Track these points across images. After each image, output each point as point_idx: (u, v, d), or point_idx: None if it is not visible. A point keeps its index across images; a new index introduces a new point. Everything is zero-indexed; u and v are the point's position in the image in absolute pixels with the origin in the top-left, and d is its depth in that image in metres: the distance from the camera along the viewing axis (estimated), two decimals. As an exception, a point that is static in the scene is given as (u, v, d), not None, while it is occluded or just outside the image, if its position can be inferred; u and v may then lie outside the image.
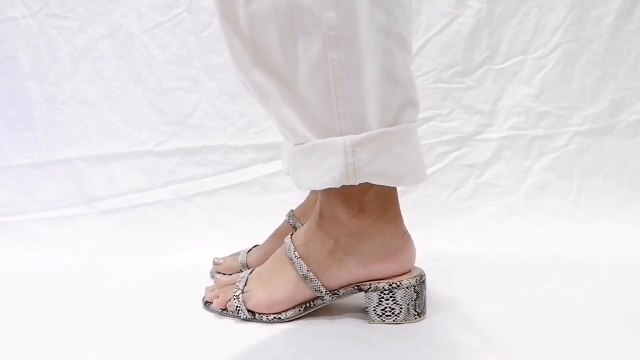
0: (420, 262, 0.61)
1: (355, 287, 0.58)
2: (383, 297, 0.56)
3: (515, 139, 1.01)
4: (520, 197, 1.00)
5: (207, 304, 0.63)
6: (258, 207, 1.03)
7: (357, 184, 0.53)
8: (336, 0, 0.50)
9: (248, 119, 1.04)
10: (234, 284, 0.63)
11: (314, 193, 0.77)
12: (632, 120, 1.00)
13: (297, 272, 0.57)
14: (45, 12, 1.03)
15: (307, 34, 0.52)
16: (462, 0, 0.99)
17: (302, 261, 0.57)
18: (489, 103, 1.01)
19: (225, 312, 0.60)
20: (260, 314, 0.58)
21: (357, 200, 0.56)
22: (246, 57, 0.54)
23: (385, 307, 0.56)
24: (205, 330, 0.56)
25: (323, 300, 0.58)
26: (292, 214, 0.77)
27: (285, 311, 0.58)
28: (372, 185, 0.55)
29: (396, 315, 0.56)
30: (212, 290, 0.63)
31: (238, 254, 0.79)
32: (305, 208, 0.77)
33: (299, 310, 0.58)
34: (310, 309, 0.58)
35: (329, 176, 0.53)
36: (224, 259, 0.78)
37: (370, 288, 0.57)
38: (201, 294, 0.65)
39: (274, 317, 0.58)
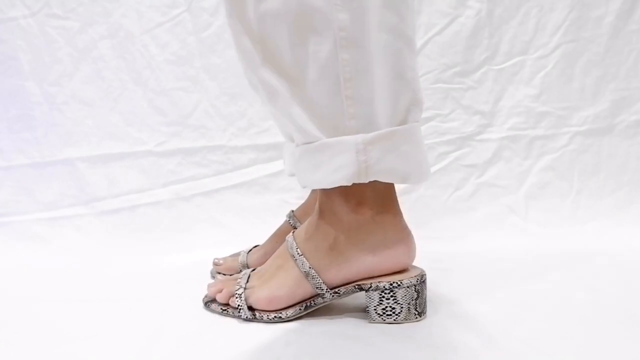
0: (420, 262, 0.61)
1: (356, 286, 0.58)
2: (384, 297, 0.56)
3: (515, 139, 1.01)
4: (520, 197, 1.00)
5: (207, 304, 0.63)
6: (258, 207, 1.03)
7: (367, 181, 0.54)
8: (347, 1, 0.51)
9: (248, 119, 1.04)
10: (236, 279, 0.63)
11: (313, 193, 0.77)
12: (632, 120, 1.00)
13: (299, 268, 0.58)
14: (45, 12, 1.03)
15: (317, 34, 0.52)
16: (462, 0, 0.99)
17: (303, 258, 0.58)
18: (489, 103, 1.01)
19: (226, 312, 0.60)
20: (260, 312, 0.58)
21: (356, 195, 0.57)
22: (255, 55, 0.55)
23: (386, 307, 0.56)
24: (205, 330, 0.56)
25: (323, 298, 0.58)
26: (292, 214, 0.77)
27: (286, 309, 0.58)
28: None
29: (396, 315, 0.56)
30: (214, 287, 0.63)
31: (238, 254, 0.79)
32: (305, 208, 0.77)
33: (299, 309, 0.58)
34: (310, 307, 0.58)
35: (340, 174, 0.54)
36: (224, 259, 0.78)
37: (370, 287, 0.57)
38: (201, 294, 0.64)
39: (275, 316, 0.58)
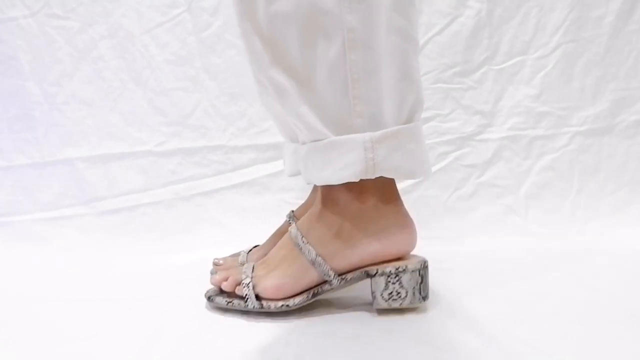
0: (420, 262, 0.61)
1: (363, 272, 0.59)
2: (390, 281, 0.58)
3: (515, 139, 1.01)
4: (520, 197, 1.00)
5: (211, 298, 0.62)
6: (258, 207, 1.03)
7: (373, 177, 0.56)
8: (356, 3, 0.52)
9: (248, 119, 1.04)
10: (239, 268, 0.64)
11: (313, 193, 0.78)
12: (632, 120, 1.00)
13: (305, 256, 0.59)
14: (45, 12, 1.03)
15: (326, 35, 0.53)
16: (462, 0, 0.99)
17: (309, 246, 0.59)
18: (489, 103, 1.01)
19: (231, 303, 0.60)
20: (268, 301, 0.59)
21: (358, 185, 0.58)
22: (265, 55, 0.56)
23: (392, 291, 0.58)
24: (205, 330, 0.56)
25: (331, 284, 0.59)
26: (292, 214, 0.77)
27: (293, 297, 0.59)
28: None
29: (402, 299, 0.58)
30: (218, 276, 0.64)
31: (238, 254, 0.79)
32: (305, 208, 0.77)
33: (307, 297, 0.59)
34: (317, 294, 0.59)
35: (349, 171, 0.55)
36: (224, 259, 0.78)
37: (377, 272, 0.58)
38: (201, 294, 0.64)
39: (282, 305, 0.58)
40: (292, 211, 0.78)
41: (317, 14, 0.53)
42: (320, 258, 0.58)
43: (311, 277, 0.59)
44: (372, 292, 0.58)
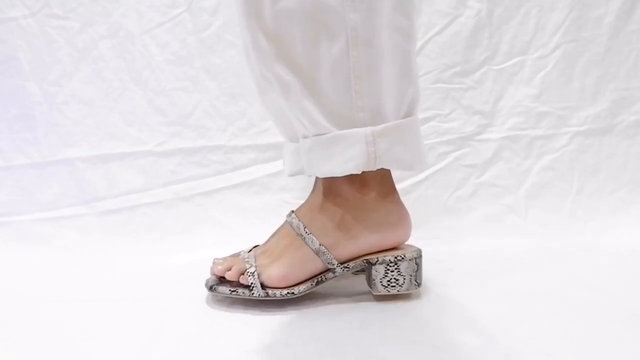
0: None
1: (364, 261, 0.63)
2: (389, 269, 0.61)
3: (515, 139, 1.01)
4: (520, 197, 1.00)
5: (213, 288, 0.63)
6: (258, 207, 1.03)
7: (375, 169, 0.59)
8: (357, 2, 0.54)
9: (248, 119, 1.04)
10: (242, 258, 0.65)
11: (313, 193, 0.77)
12: (632, 120, 1.00)
13: (309, 246, 0.61)
14: (45, 12, 1.03)
15: (330, 33, 0.55)
16: (462, 0, 0.99)
17: (312, 236, 0.61)
18: (489, 103, 1.01)
19: (235, 292, 0.61)
20: (273, 289, 0.60)
21: (359, 177, 0.61)
22: (270, 51, 0.57)
23: (390, 278, 0.62)
24: (205, 330, 0.56)
25: (334, 272, 0.62)
26: (292, 214, 0.77)
27: (298, 285, 0.61)
28: None
29: (400, 285, 0.62)
30: (221, 266, 0.64)
31: (238, 254, 0.79)
32: (305, 208, 0.77)
33: (311, 284, 0.61)
34: (321, 282, 0.62)
35: (352, 164, 0.58)
36: (224, 259, 0.78)
37: (377, 261, 0.62)
38: (201, 294, 0.65)
39: (288, 292, 0.60)
40: (292, 211, 0.78)
41: (322, 11, 0.54)
42: (323, 247, 0.61)
43: (315, 265, 0.61)
44: (372, 280, 0.62)
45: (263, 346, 0.52)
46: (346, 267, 0.62)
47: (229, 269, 0.63)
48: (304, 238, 0.62)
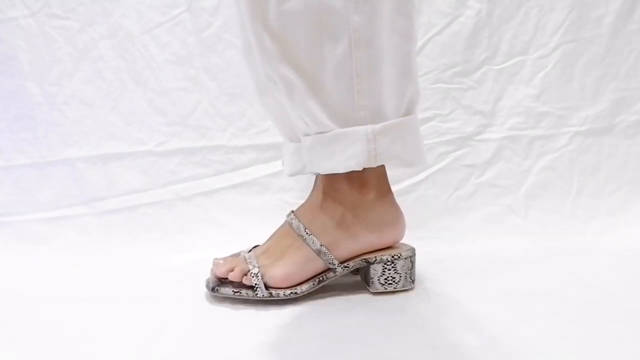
0: (420, 262, 0.62)
1: (363, 260, 0.64)
2: (386, 268, 0.64)
3: (515, 139, 1.01)
4: (520, 197, 1.00)
5: (215, 289, 0.63)
6: (258, 207, 1.03)
7: (375, 166, 0.60)
8: (360, 4, 0.55)
9: (248, 119, 1.04)
10: (243, 259, 0.65)
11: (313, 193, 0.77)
12: (632, 120, 1.00)
13: (310, 247, 0.62)
14: (45, 12, 1.03)
15: (333, 34, 0.57)
16: (462, 0, 0.99)
17: (313, 237, 0.62)
18: (489, 103, 1.01)
19: (239, 293, 0.61)
20: (277, 289, 0.61)
21: (358, 177, 0.63)
22: (275, 52, 0.58)
23: (387, 276, 0.64)
24: (205, 330, 0.56)
25: (335, 272, 0.63)
26: (292, 214, 0.77)
27: (300, 285, 0.62)
28: None
29: (396, 283, 0.65)
30: (223, 267, 0.64)
31: (238, 254, 0.79)
32: (305, 208, 0.77)
33: (313, 284, 0.62)
34: (323, 281, 0.63)
35: (353, 161, 0.59)
36: (224, 259, 0.78)
37: (375, 260, 0.64)
38: (201, 294, 0.65)
39: (291, 292, 0.61)
40: (292, 211, 0.78)
41: (326, 12, 0.55)
42: (324, 247, 0.62)
43: (316, 265, 0.63)
44: (370, 278, 0.64)
45: (263, 346, 0.52)
46: (346, 267, 0.64)
47: (232, 270, 0.63)
48: (305, 239, 0.63)
